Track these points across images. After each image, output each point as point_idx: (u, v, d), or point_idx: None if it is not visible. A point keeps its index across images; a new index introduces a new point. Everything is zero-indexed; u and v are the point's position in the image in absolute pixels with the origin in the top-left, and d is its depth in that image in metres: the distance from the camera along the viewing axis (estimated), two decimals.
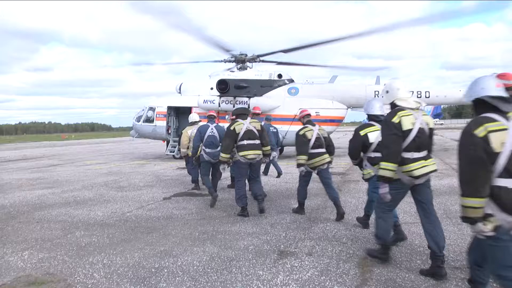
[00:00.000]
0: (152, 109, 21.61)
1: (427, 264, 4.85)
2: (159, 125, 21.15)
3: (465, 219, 3.34)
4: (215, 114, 10.52)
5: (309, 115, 8.07)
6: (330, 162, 7.79)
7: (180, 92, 21.65)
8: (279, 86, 19.99)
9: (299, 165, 7.61)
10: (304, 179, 7.96)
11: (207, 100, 19.71)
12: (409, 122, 4.56)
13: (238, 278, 4.72)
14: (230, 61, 20.43)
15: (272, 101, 19.48)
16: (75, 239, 6.53)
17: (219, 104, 19.48)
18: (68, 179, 14.53)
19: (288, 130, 19.23)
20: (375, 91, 19.55)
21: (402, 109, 4.67)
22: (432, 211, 4.85)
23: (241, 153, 7.72)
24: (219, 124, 10.12)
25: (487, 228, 3.18)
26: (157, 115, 21.09)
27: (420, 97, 19.52)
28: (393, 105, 4.86)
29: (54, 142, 63.45)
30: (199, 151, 9.39)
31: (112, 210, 8.75)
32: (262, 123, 8.60)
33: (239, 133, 7.70)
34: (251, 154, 7.73)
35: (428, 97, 19.70)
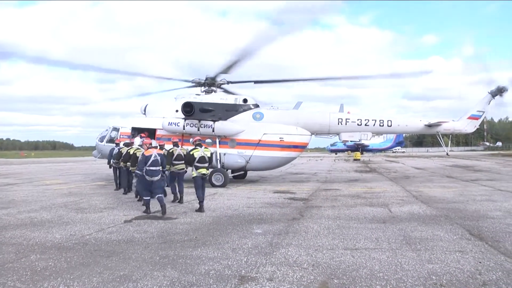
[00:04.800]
0: (116, 129, 21.29)
1: None
2: None
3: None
4: (118, 142, 17.24)
5: (199, 139, 12.40)
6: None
7: (145, 113, 21.46)
8: (244, 110, 20.10)
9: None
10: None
11: (172, 123, 19.59)
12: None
13: None
14: (198, 83, 20.44)
15: (237, 126, 19.59)
16: (30, 263, 6.30)
17: (183, 127, 19.37)
18: (25, 199, 14.09)
19: (252, 155, 19.34)
20: (338, 119, 20.00)
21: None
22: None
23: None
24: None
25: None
26: (121, 136, 20.75)
27: (383, 125, 20.12)
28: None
29: (11, 160, 61.38)
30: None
31: (71, 233, 8.53)
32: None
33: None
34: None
35: (390, 126, 20.30)
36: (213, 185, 18.04)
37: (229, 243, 7.53)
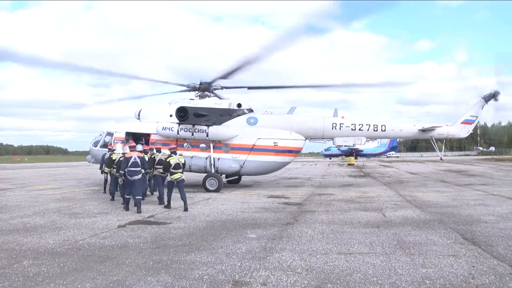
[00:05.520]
0: (110, 134, 21.16)
1: None
2: None
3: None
4: (111, 148, 17.48)
5: (174, 147, 13.87)
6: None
7: (139, 118, 21.39)
8: (238, 115, 20.08)
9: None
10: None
11: (166, 127, 19.54)
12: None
13: None
14: (193, 87, 20.44)
15: (231, 130, 19.57)
16: (22, 268, 6.26)
17: (177, 131, 19.34)
18: (18, 204, 13.99)
19: (246, 159, 19.32)
20: (332, 124, 20.04)
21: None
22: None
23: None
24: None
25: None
26: (115, 141, 20.65)
27: (377, 130, 20.18)
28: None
29: (4, 165, 60.97)
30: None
31: (64, 238, 8.49)
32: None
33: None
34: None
35: (384, 130, 20.36)
36: (207, 190, 18.01)
37: (223, 248, 7.52)
